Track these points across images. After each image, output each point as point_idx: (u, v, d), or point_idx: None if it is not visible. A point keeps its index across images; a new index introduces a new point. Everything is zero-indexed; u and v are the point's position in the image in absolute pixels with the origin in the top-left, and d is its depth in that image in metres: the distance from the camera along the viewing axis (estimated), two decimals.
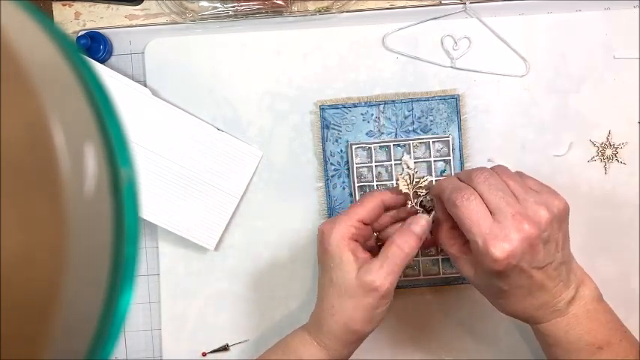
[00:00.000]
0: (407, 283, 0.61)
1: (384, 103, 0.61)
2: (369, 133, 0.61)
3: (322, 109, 0.61)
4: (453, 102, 0.61)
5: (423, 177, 0.53)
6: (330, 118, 0.61)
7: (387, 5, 0.62)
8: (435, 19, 0.61)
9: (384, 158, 0.61)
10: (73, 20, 0.63)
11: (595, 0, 0.61)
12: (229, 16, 0.61)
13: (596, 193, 0.61)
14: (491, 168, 0.49)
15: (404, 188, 0.52)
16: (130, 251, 0.22)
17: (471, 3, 0.61)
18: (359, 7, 0.62)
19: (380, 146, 0.61)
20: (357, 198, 0.60)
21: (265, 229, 0.62)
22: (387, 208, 0.52)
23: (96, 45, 0.61)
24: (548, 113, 0.61)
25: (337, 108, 0.61)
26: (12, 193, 0.18)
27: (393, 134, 0.61)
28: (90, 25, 0.63)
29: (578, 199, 0.61)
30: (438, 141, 0.61)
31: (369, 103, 0.61)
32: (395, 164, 0.60)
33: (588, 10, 0.61)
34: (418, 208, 0.52)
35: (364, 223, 0.50)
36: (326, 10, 0.61)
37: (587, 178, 0.61)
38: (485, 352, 0.62)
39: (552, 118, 0.61)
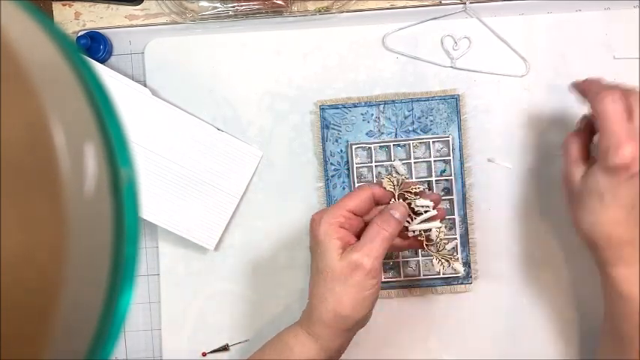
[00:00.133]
0: (407, 283, 0.61)
1: (384, 103, 0.61)
2: (369, 133, 0.61)
3: (322, 109, 0.61)
4: (453, 102, 0.61)
5: (416, 185, 0.53)
6: (330, 118, 0.61)
7: (387, 5, 0.62)
8: (435, 19, 0.61)
9: (384, 158, 0.61)
10: (73, 20, 0.63)
11: (595, 0, 0.61)
12: (229, 16, 0.61)
13: None
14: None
15: (388, 187, 0.53)
16: (130, 251, 0.22)
17: (471, 3, 0.61)
18: (359, 7, 0.62)
19: (380, 146, 0.61)
20: None
21: (265, 229, 0.62)
22: (377, 202, 0.53)
23: (96, 45, 0.61)
24: (548, 113, 0.61)
25: (337, 108, 0.61)
26: (12, 193, 0.18)
27: (393, 134, 0.61)
28: (90, 25, 0.63)
29: None
30: (438, 141, 0.61)
31: (369, 103, 0.61)
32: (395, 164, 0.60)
33: (588, 10, 0.61)
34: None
35: (354, 214, 0.51)
36: (326, 10, 0.62)
37: None
38: (485, 352, 0.62)
39: (552, 118, 0.61)
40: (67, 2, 0.63)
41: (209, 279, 0.62)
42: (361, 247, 0.49)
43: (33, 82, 0.19)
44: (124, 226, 0.22)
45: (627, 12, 0.60)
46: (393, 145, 0.60)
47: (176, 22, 0.62)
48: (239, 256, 0.62)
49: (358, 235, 0.51)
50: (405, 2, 0.62)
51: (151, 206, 0.59)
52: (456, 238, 0.59)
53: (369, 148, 0.60)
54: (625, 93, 0.48)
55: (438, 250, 0.56)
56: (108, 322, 0.21)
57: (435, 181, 0.60)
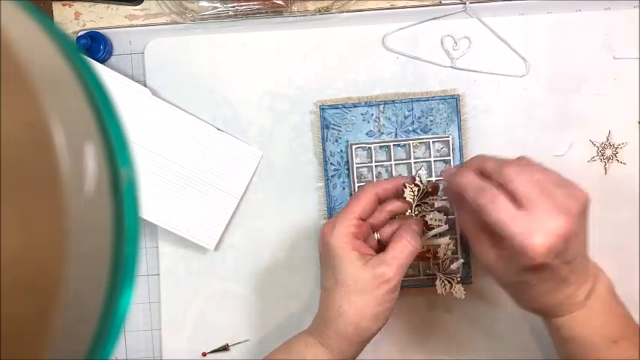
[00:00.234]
0: (408, 283, 0.61)
1: (384, 103, 0.61)
2: (369, 133, 0.61)
3: (322, 109, 0.61)
4: (453, 102, 0.61)
5: (435, 198, 0.54)
6: (330, 118, 0.61)
7: (387, 5, 0.62)
8: (435, 19, 0.61)
9: (384, 158, 0.61)
10: (73, 20, 0.63)
11: (595, 0, 0.61)
12: (229, 16, 0.61)
13: (596, 193, 0.61)
14: (517, 159, 0.48)
15: (409, 197, 0.53)
16: (130, 251, 0.22)
17: (471, 3, 0.61)
18: (359, 7, 0.62)
19: (380, 146, 0.61)
20: None
21: (265, 229, 0.62)
22: (380, 201, 0.53)
23: (96, 45, 0.61)
24: (548, 113, 0.61)
25: (337, 108, 0.61)
26: (12, 193, 0.18)
27: (393, 134, 0.61)
28: (90, 25, 0.63)
29: None
30: (438, 141, 0.61)
31: (369, 103, 0.61)
32: (395, 164, 0.60)
33: (588, 10, 0.61)
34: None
35: (362, 219, 0.51)
36: (326, 10, 0.61)
37: (587, 178, 0.61)
38: (486, 351, 0.62)
39: (552, 118, 0.61)
40: (67, 2, 0.63)
41: (209, 279, 0.62)
42: (389, 261, 0.48)
43: (33, 82, 0.19)
44: (124, 226, 0.22)
45: (627, 12, 0.60)
46: (393, 145, 0.60)
47: (176, 22, 0.62)
48: (239, 256, 0.62)
49: (367, 240, 0.52)
50: (405, 2, 0.62)
51: (151, 206, 0.59)
52: (461, 259, 0.58)
53: (369, 148, 0.60)
54: (509, 184, 0.44)
55: (441, 269, 0.56)
56: (108, 322, 0.21)
57: (435, 181, 0.60)
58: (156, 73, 0.62)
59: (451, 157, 0.60)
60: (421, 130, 0.61)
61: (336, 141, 0.61)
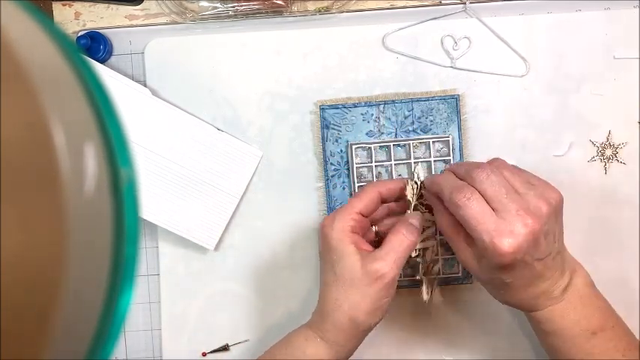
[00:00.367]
0: (407, 283, 0.61)
1: (384, 103, 0.61)
2: (369, 133, 0.61)
3: (322, 109, 0.61)
4: (453, 102, 0.61)
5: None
6: (330, 118, 0.61)
7: (387, 5, 0.62)
8: (435, 19, 0.61)
9: (384, 158, 0.61)
10: (73, 20, 0.63)
11: (595, 0, 0.61)
12: (229, 16, 0.61)
13: (596, 193, 0.61)
14: (489, 162, 0.49)
15: (409, 194, 0.54)
16: (130, 251, 0.22)
17: (471, 3, 0.61)
18: (359, 7, 0.62)
19: (380, 146, 0.61)
20: None
21: (265, 229, 0.62)
22: (383, 200, 0.53)
23: (96, 45, 0.61)
24: (548, 113, 0.61)
25: (337, 108, 0.61)
26: (12, 193, 0.18)
27: (393, 134, 0.61)
28: (90, 25, 0.63)
29: (578, 199, 0.61)
30: (438, 141, 0.61)
31: (369, 103, 0.61)
32: (395, 164, 0.60)
33: (588, 10, 0.61)
34: None
35: (363, 215, 0.51)
36: (326, 10, 0.61)
37: (587, 178, 0.61)
38: (485, 351, 0.62)
39: (552, 118, 0.61)
40: (67, 2, 0.63)
41: (209, 279, 0.62)
42: (385, 256, 0.49)
43: (33, 82, 0.19)
44: (124, 226, 0.22)
45: (627, 12, 0.60)
46: (393, 145, 0.60)
47: (176, 22, 0.62)
48: (239, 256, 0.62)
49: (366, 235, 0.52)
50: (405, 2, 0.62)
51: (151, 206, 0.59)
52: (440, 260, 0.59)
53: (369, 148, 0.60)
54: (478, 185, 0.46)
55: (425, 272, 0.58)
56: (108, 322, 0.21)
57: None
58: (156, 73, 0.62)
59: (451, 157, 0.60)
60: (421, 130, 0.61)
61: (336, 141, 0.61)
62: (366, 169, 0.61)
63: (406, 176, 0.61)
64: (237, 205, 0.61)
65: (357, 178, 0.60)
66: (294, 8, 0.61)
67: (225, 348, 0.62)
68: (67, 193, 0.19)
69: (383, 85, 0.61)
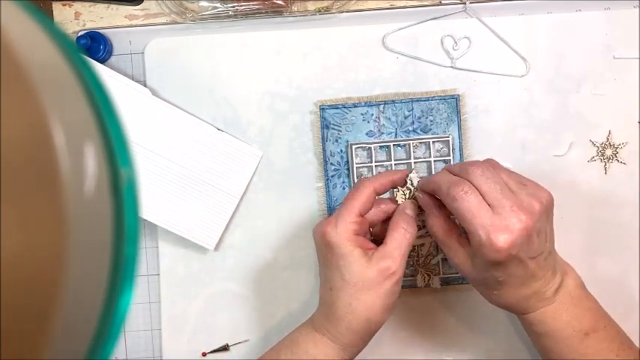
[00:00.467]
0: (407, 282, 0.61)
1: (384, 103, 0.61)
2: (369, 133, 0.61)
3: (322, 109, 0.61)
4: (453, 102, 0.61)
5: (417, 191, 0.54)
6: (330, 118, 0.61)
7: (387, 5, 0.62)
8: (435, 19, 0.61)
9: (384, 158, 0.61)
10: (73, 20, 0.63)
11: (595, 0, 0.61)
12: (229, 16, 0.61)
13: (596, 193, 0.61)
14: (483, 161, 0.50)
15: (400, 199, 0.54)
16: (130, 251, 0.22)
17: (471, 3, 0.61)
18: (359, 7, 0.62)
19: (380, 146, 0.61)
20: None
21: (265, 229, 0.62)
22: (377, 194, 0.53)
23: (96, 45, 0.61)
24: (548, 113, 0.61)
25: (337, 108, 0.61)
26: (12, 193, 0.18)
27: (393, 134, 0.61)
28: (90, 25, 0.63)
29: (578, 199, 0.61)
30: (438, 141, 0.61)
31: (369, 103, 0.61)
32: (395, 164, 0.60)
33: (588, 10, 0.61)
34: None
35: (362, 216, 0.51)
36: (326, 10, 0.61)
37: (587, 178, 0.61)
38: (485, 351, 0.62)
39: (552, 118, 0.61)
40: (67, 2, 0.63)
41: (209, 279, 0.62)
42: (391, 254, 0.49)
43: (33, 82, 0.19)
44: (124, 226, 0.22)
45: (627, 12, 0.60)
46: (393, 145, 0.60)
47: (176, 22, 0.62)
48: (239, 256, 0.62)
49: (364, 234, 0.52)
50: (405, 2, 0.62)
51: (151, 206, 0.59)
52: (440, 255, 0.60)
53: (369, 148, 0.60)
54: (472, 179, 0.47)
55: (422, 265, 0.59)
56: (108, 322, 0.21)
57: None
58: (156, 73, 0.62)
59: (451, 157, 0.60)
60: (421, 130, 0.61)
61: (336, 141, 0.61)
62: (366, 169, 0.61)
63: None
64: (237, 205, 0.61)
65: (357, 178, 0.60)
66: (294, 8, 0.61)
67: (225, 348, 0.62)
68: (67, 193, 0.19)
69: (383, 85, 0.61)
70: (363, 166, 0.60)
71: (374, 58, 0.61)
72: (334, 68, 0.62)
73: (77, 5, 0.63)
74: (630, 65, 0.61)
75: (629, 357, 0.50)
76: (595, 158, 0.61)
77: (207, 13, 0.61)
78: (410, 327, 0.62)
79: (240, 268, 0.62)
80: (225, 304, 0.62)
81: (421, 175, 0.61)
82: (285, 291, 0.62)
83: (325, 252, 0.51)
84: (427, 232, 0.56)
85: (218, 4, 0.60)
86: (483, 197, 0.47)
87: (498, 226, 0.45)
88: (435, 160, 0.60)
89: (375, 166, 0.60)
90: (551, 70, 0.61)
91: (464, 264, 0.49)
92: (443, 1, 0.62)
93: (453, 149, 0.60)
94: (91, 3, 0.63)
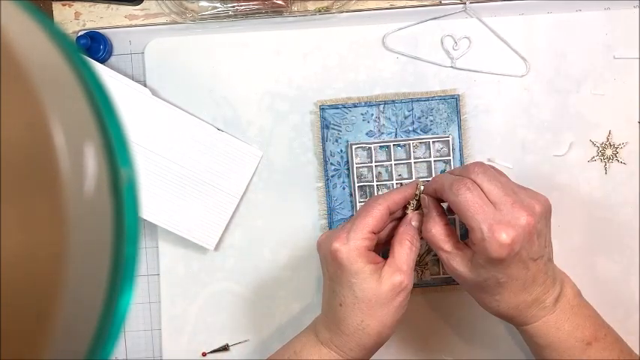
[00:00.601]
0: None
1: (384, 103, 0.61)
2: (369, 133, 0.61)
3: (322, 109, 0.61)
4: (453, 102, 0.61)
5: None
6: (330, 118, 0.61)
7: (387, 5, 0.62)
8: (435, 19, 0.61)
9: (384, 158, 0.61)
10: (73, 20, 0.63)
11: (595, 0, 0.61)
12: (229, 16, 0.61)
13: (596, 193, 0.61)
14: (483, 163, 0.50)
15: (409, 210, 0.54)
16: (130, 251, 0.22)
17: (471, 3, 0.61)
18: (359, 7, 0.62)
19: (380, 146, 0.61)
20: (357, 198, 0.60)
21: (265, 229, 0.62)
22: (392, 212, 0.53)
23: (96, 45, 0.61)
24: (548, 113, 0.61)
25: (337, 108, 0.61)
26: (12, 193, 0.18)
27: (393, 134, 0.61)
28: (90, 25, 0.63)
29: (578, 198, 0.61)
30: (438, 141, 0.61)
31: (369, 103, 0.61)
32: (395, 164, 0.60)
33: (588, 10, 0.61)
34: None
35: (374, 233, 0.51)
36: (326, 10, 0.61)
37: (587, 178, 0.61)
38: (485, 352, 0.62)
39: (552, 118, 0.61)
40: (67, 2, 0.63)
41: (209, 279, 0.62)
42: (400, 267, 0.49)
43: (33, 82, 0.19)
44: (124, 226, 0.22)
45: (627, 12, 0.60)
46: (393, 145, 0.60)
47: (176, 22, 0.62)
48: (239, 256, 0.62)
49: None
50: (405, 2, 0.62)
51: (151, 206, 0.59)
52: (433, 254, 0.61)
53: (369, 148, 0.60)
54: (475, 177, 0.47)
55: (418, 263, 0.60)
56: (108, 322, 0.21)
57: None
58: (156, 73, 0.62)
59: (451, 157, 0.60)
60: (421, 130, 0.61)
61: (336, 141, 0.61)
62: (366, 169, 0.61)
63: (406, 176, 0.61)
64: (237, 205, 0.61)
65: (357, 178, 0.60)
66: (294, 8, 0.61)
67: (225, 348, 0.62)
68: (67, 193, 0.19)
69: (383, 85, 0.61)
70: (363, 166, 0.60)
71: (374, 58, 0.61)
72: (334, 68, 0.62)
73: (77, 5, 0.63)
74: (630, 65, 0.61)
75: None
76: (595, 158, 0.61)
77: (207, 13, 0.61)
78: (410, 327, 0.62)
79: (240, 268, 0.62)
80: (225, 304, 0.62)
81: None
82: (285, 290, 0.62)
83: (334, 268, 0.50)
84: None
85: (218, 4, 0.60)
86: (485, 195, 0.47)
87: (501, 222, 0.45)
88: (435, 160, 0.60)
89: (375, 166, 0.60)
90: (551, 70, 0.61)
91: (462, 268, 0.49)
92: (443, 1, 0.62)
93: (453, 149, 0.60)
94: (91, 3, 0.63)
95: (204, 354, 0.62)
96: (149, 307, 0.63)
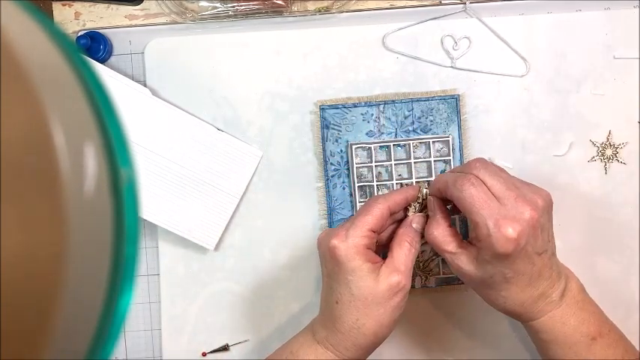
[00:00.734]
0: None
1: (384, 103, 0.61)
2: (369, 133, 0.61)
3: (322, 109, 0.61)
4: (453, 102, 0.61)
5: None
6: (330, 118, 0.61)
7: (387, 5, 0.62)
8: (435, 19, 0.61)
9: (384, 158, 0.61)
10: (73, 20, 0.63)
11: (595, 0, 0.61)
12: (229, 16, 0.61)
13: (596, 193, 0.61)
14: (484, 159, 0.51)
15: (411, 212, 0.53)
16: (130, 251, 0.22)
17: (471, 3, 0.61)
18: (359, 7, 0.62)
19: (380, 146, 0.61)
20: (357, 198, 0.60)
21: (265, 229, 0.62)
22: (392, 212, 0.53)
23: (96, 45, 0.61)
24: (548, 113, 0.61)
25: (337, 108, 0.61)
26: (12, 193, 0.18)
27: (393, 134, 0.61)
28: (90, 25, 0.63)
29: (578, 199, 0.61)
30: (438, 141, 0.61)
31: (369, 103, 0.61)
32: (395, 164, 0.60)
33: (588, 10, 0.61)
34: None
35: (373, 231, 0.50)
36: (326, 10, 0.61)
37: (587, 178, 0.61)
38: (485, 352, 0.62)
39: (552, 118, 0.61)
40: (67, 2, 0.63)
41: (209, 279, 0.62)
42: (398, 267, 0.49)
43: (33, 82, 0.19)
44: (124, 226, 0.22)
45: (627, 12, 0.60)
46: (393, 145, 0.60)
47: (176, 22, 0.62)
48: (239, 256, 0.62)
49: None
50: (405, 2, 0.62)
51: (151, 206, 0.59)
52: (439, 258, 0.60)
53: (369, 148, 0.60)
54: (477, 172, 0.48)
55: (422, 268, 0.60)
56: (108, 322, 0.21)
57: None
58: (156, 73, 0.62)
59: (451, 157, 0.60)
60: (421, 130, 0.61)
61: (336, 141, 0.61)
62: (366, 169, 0.61)
63: (406, 176, 0.61)
64: (237, 205, 0.61)
65: (357, 178, 0.60)
66: (294, 8, 0.61)
67: (225, 348, 0.62)
68: (67, 193, 0.19)
69: (383, 85, 0.61)
70: (363, 166, 0.60)
71: (374, 58, 0.61)
72: (334, 68, 0.62)
73: (77, 5, 0.63)
74: (630, 65, 0.61)
75: None
76: (595, 158, 0.61)
77: (207, 13, 0.61)
78: (410, 327, 0.62)
79: (240, 268, 0.62)
80: (225, 304, 0.62)
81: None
82: (285, 291, 0.62)
83: (332, 265, 0.50)
84: None
85: (218, 4, 0.60)
86: (489, 189, 0.47)
87: (506, 217, 0.45)
88: (435, 160, 0.60)
89: (375, 166, 0.60)
90: (551, 70, 0.61)
91: (468, 266, 0.49)
92: (443, 1, 0.62)
93: (453, 149, 0.60)
94: (91, 3, 0.63)
95: (204, 354, 0.62)
96: (149, 307, 0.63)
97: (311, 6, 0.61)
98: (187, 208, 0.60)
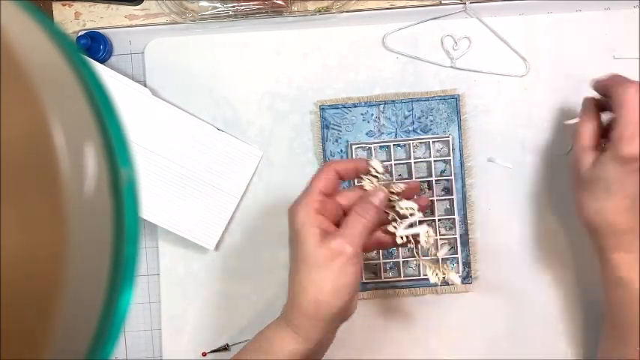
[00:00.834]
0: (407, 283, 0.61)
1: (384, 103, 0.61)
2: (369, 133, 0.61)
3: (322, 109, 0.61)
4: (453, 102, 0.61)
5: (397, 184, 0.52)
6: (330, 118, 0.61)
7: (387, 5, 0.62)
8: (435, 19, 0.61)
9: (384, 158, 0.61)
10: (73, 20, 0.63)
11: (595, 0, 0.61)
12: (229, 16, 0.61)
13: None
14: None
15: (368, 187, 0.52)
16: (130, 251, 0.22)
17: (471, 3, 0.61)
18: (359, 7, 0.62)
19: (380, 146, 0.61)
20: None
21: (265, 229, 0.62)
22: (341, 177, 0.52)
23: (96, 45, 0.61)
24: (548, 113, 0.61)
25: (337, 108, 0.61)
26: (12, 193, 0.18)
27: (393, 134, 0.61)
28: (90, 25, 0.63)
29: None
30: (438, 141, 0.61)
31: (369, 103, 0.61)
32: (395, 164, 0.60)
33: (588, 10, 0.61)
34: (394, 215, 0.52)
35: (325, 195, 0.50)
36: (326, 10, 0.62)
37: None
38: (485, 352, 0.62)
39: (552, 118, 0.61)
40: (67, 2, 0.63)
41: (209, 279, 0.62)
42: (341, 234, 0.49)
43: (33, 82, 0.19)
44: (124, 226, 0.22)
45: (627, 12, 0.61)
46: (393, 145, 0.60)
47: (176, 22, 0.62)
48: (239, 256, 0.62)
49: (338, 223, 0.51)
50: (405, 2, 0.62)
51: (151, 206, 0.59)
52: (446, 242, 0.59)
53: (369, 148, 0.60)
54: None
55: (426, 255, 0.55)
56: (108, 322, 0.21)
57: (435, 181, 0.60)
58: (156, 73, 0.62)
59: (451, 157, 0.60)
60: (421, 130, 0.61)
61: (336, 141, 0.61)
62: None
63: (405, 176, 0.61)
64: (237, 205, 0.61)
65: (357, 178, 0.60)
66: (294, 8, 0.61)
67: (225, 348, 0.62)
68: (67, 193, 0.19)
69: (383, 85, 0.61)
70: None
71: (374, 58, 0.61)
72: (334, 68, 0.62)
73: (77, 5, 0.63)
74: (630, 65, 0.61)
75: None
76: None
77: (207, 13, 0.61)
78: (410, 327, 0.62)
79: (240, 268, 0.62)
80: (225, 304, 0.62)
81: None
82: (285, 290, 0.62)
83: (290, 233, 0.51)
84: (420, 221, 0.52)
85: (218, 4, 0.60)
86: None
87: None
88: (434, 160, 0.60)
89: None
90: (551, 70, 0.61)
91: (586, 163, 0.51)
92: (443, 1, 0.62)
93: (453, 149, 0.60)
94: (91, 3, 0.63)
95: (204, 354, 0.62)
96: (149, 307, 0.63)
97: (311, 6, 0.61)
98: (187, 208, 0.60)
